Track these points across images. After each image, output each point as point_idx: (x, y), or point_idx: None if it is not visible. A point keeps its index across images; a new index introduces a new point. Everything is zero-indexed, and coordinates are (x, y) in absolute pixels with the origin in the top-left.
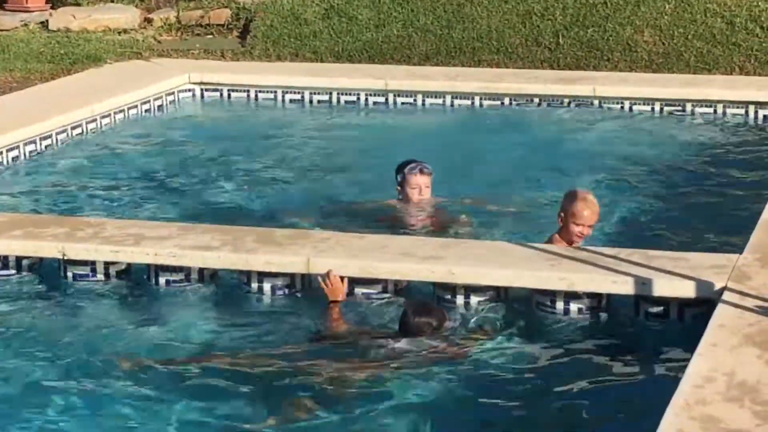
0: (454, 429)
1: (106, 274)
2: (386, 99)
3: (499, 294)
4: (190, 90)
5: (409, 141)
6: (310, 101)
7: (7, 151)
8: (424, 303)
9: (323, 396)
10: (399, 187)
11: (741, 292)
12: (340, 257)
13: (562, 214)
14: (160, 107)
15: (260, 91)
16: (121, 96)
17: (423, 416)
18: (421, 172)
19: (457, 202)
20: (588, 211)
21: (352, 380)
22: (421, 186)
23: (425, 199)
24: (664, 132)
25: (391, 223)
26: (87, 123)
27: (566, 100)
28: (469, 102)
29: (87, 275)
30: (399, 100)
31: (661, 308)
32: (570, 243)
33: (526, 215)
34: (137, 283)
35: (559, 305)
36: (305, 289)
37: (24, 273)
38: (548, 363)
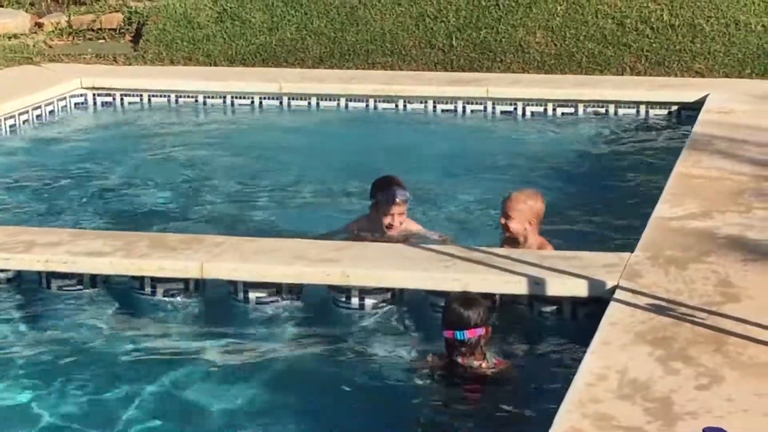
0: None
1: None
2: (280, 102)
3: (394, 296)
4: (82, 95)
5: (303, 144)
6: (204, 105)
7: None
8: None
9: None
10: (372, 206)
11: (633, 290)
12: (233, 261)
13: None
14: (51, 112)
15: (153, 96)
16: (12, 102)
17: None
18: (395, 202)
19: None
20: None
21: None
22: (395, 215)
23: (397, 228)
24: (557, 133)
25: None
26: None
27: (460, 102)
28: (363, 104)
29: None
30: (293, 103)
31: (555, 307)
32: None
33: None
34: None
35: None
36: (200, 293)
37: None
38: None
